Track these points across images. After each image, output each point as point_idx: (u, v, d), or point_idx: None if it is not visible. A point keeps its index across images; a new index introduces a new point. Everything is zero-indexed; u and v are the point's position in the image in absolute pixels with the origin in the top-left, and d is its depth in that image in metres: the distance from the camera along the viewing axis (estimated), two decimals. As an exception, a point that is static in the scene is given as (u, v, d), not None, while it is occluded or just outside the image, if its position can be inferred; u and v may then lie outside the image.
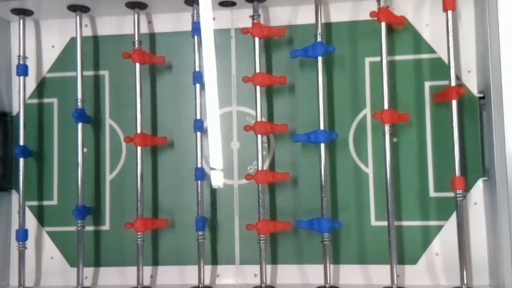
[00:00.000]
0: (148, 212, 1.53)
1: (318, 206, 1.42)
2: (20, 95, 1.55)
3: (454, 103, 1.37)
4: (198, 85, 1.50)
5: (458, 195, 1.37)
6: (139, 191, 1.48)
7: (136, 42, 1.52)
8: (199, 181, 1.48)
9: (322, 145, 1.42)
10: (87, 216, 1.53)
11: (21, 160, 1.54)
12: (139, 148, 1.49)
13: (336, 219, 1.48)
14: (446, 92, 1.39)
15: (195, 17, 1.50)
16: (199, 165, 1.49)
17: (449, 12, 1.39)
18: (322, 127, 1.43)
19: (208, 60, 1.52)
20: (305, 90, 1.52)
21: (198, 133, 1.49)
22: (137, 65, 1.50)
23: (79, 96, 1.53)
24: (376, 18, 1.40)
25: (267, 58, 1.54)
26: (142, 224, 1.46)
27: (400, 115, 1.42)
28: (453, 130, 1.38)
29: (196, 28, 1.50)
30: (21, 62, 1.56)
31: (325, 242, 1.40)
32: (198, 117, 1.50)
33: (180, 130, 1.56)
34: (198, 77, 1.50)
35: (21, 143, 1.54)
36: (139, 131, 1.50)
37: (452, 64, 1.39)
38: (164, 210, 1.55)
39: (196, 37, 1.51)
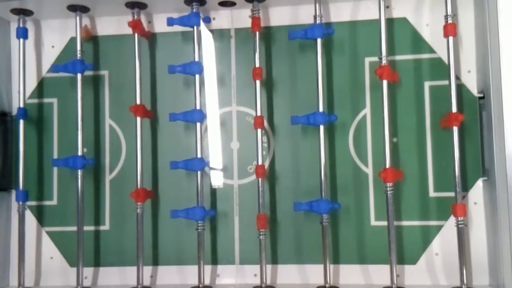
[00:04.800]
0: (147, 209, 1.53)
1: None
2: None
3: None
4: (197, 76, 1.48)
5: (459, 223, 1.36)
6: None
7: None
8: (198, 172, 1.47)
9: (322, 128, 1.42)
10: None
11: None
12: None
13: (336, 219, 1.48)
14: (448, 119, 1.38)
15: (194, 9, 1.49)
16: (198, 155, 1.47)
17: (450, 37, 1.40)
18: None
19: (208, 60, 1.52)
20: (305, 90, 1.52)
21: (198, 124, 1.48)
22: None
23: (79, 47, 1.52)
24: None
25: (266, 58, 1.54)
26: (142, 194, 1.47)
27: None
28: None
29: (195, 16, 1.49)
30: (20, 25, 1.55)
31: (324, 224, 1.40)
32: (198, 107, 1.48)
33: (181, 130, 1.56)
34: (197, 67, 1.48)
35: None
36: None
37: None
38: (165, 210, 1.55)
39: (195, 27, 1.49)
